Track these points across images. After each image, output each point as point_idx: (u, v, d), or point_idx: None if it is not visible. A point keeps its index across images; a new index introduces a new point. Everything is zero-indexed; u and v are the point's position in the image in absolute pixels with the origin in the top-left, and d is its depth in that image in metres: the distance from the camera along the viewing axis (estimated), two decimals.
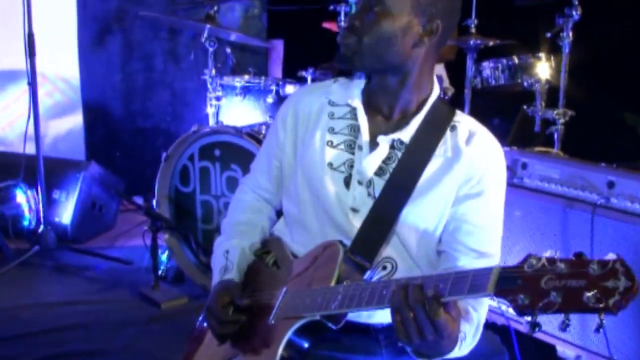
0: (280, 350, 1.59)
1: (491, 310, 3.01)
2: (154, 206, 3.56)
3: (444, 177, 1.69)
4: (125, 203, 4.53)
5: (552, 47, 3.49)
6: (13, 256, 3.70)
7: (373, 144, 1.75)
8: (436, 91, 1.80)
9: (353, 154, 1.76)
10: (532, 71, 3.63)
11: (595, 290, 1.09)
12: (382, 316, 1.73)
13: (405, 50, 1.70)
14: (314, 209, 1.79)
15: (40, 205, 3.78)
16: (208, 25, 3.80)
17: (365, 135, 1.76)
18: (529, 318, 1.20)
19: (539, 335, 2.88)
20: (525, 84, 3.63)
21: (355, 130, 1.78)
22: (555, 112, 3.45)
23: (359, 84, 1.83)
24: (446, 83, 4.51)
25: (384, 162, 1.73)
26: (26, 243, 3.87)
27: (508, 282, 1.19)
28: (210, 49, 3.88)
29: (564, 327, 1.18)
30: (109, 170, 4.43)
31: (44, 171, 3.81)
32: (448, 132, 1.73)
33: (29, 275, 3.67)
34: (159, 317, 3.21)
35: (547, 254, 1.17)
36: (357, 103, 1.79)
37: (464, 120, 1.77)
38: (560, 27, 3.33)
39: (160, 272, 3.57)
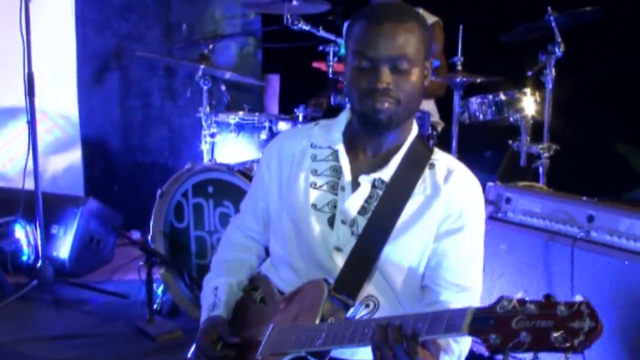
0: None
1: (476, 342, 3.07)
2: (150, 241, 3.64)
3: (424, 214, 1.77)
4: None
5: (538, 82, 3.57)
6: (12, 290, 3.75)
7: (355, 184, 1.82)
8: (415, 130, 1.89)
9: (336, 194, 1.83)
10: (518, 106, 3.71)
11: (562, 331, 1.15)
12: (364, 353, 1.77)
13: (422, 95, 1.83)
14: (299, 249, 1.86)
15: (39, 241, 3.85)
16: (202, 66, 3.90)
17: (347, 176, 1.83)
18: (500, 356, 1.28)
19: None
20: (512, 119, 3.71)
21: (337, 171, 1.85)
22: (540, 146, 3.53)
23: (339, 125, 1.91)
24: (436, 117, 4.58)
25: (366, 201, 1.80)
26: (25, 277, 3.92)
27: (481, 322, 1.26)
28: (205, 87, 3.98)
29: None
30: (107, 205, 4.49)
31: (43, 207, 3.86)
32: (427, 170, 1.82)
33: (28, 309, 3.72)
34: (153, 351, 3.25)
35: (519, 295, 1.24)
36: (339, 146, 1.87)
37: (441, 158, 1.86)
38: (542, 63, 3.42)
39: (155, 305, 3.63)
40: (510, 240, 3.03)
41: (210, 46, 4.20)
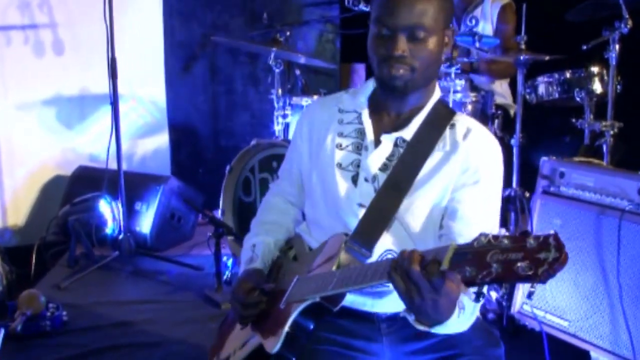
0: (285, 329, 1.73)
1: (525, 315, 3.07)
2: (220, 215, 3.82)
3: (442, 168, 1.84)
4: (204, 216, 4.81)
5: (602, 60, 3.50)
6: (96, 260, 4.04)
7: (377, 143, 1.91)
8: (437, 92, 1.96)
9: (360, 154, 1.92)
10: (584, 85, 3.65)
11: (528, 261, 1.20)
12: (384, 306, 1.88)
13: (440, 62, 1.90)
14: (327, 208, 1.96)
15: (121, 215, 4.10)
16: (274, 49, 4.06)
17: (370, 136, 1.92)
18: (475, 289, 1.34)
19: (572, 340, 2.91)
20: (578, 98, 3.65)
21: (361, 133, 1.95)
22: (603, 124, 3.46)
23: (365, 91, 2.00)
24: (509, 100, 4.55)
25: (387, 159, 1.89)
26: (109, 249, 4.18)
27: (460, 257, 1.32)
28: (277, 71, 4.15)
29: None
30: (190, 185, 4.73)
31: (128, 185, 4.12)
32: (447, 130, 1.89)
33: (108, 277, 3.99)
34: (217, 316, 3.39)
35: (496, 231, 1.30)
36: (363, 109, 1.96)
37: (462, 119, 1.92)
38: (602, 39, 3.35)
39: (225, 277, 3.82)
40: (564, 215, 3.02)
41: (288, 33, 4.35)
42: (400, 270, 1.44)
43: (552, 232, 1.21)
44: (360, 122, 1.96)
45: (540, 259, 1.19)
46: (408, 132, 1.89)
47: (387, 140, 1.90)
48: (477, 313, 1.75)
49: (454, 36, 1.93)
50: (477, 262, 1.28)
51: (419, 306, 1.45)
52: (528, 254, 1.21)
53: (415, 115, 1.91)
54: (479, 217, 1.82)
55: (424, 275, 1.40)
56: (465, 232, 1.78)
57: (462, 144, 1.85)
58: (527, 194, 3.65)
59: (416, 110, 1.92)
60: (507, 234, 1.28)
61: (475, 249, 1.30)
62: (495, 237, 1.28)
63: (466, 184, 1.83)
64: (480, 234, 1.31)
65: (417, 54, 1.80)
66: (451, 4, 1.89)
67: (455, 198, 1.83)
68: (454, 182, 1.83)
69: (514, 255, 1.23)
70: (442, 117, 1.92)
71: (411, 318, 1.55)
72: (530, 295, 1.17)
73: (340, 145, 1.96)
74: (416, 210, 1.84)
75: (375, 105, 1.97)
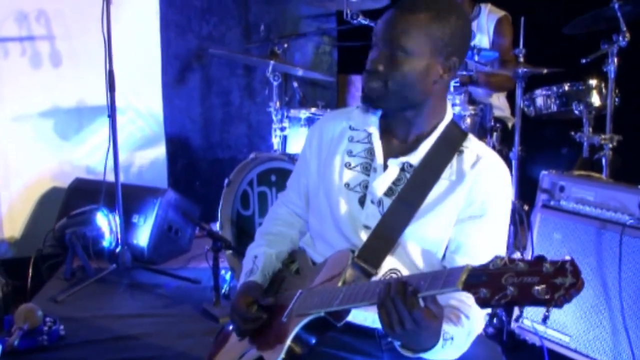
0: (287, 343, 1.73)
1: (525, 330, 3.07)
2: (218, 228, 3.81)
3: (447, 198, 1.82)
4: (202, 230, 4.79)
5: (600, 73, 3.51)
6: (93, 273, 4.01)
7: (386, 167, 1.90)
8: (449, 115, 1.94)
9: (368, 175, 1.92)
10: (583, 98, 3.67)
11: (544, 285, 1.22)
12: (376, 320, 1.89)
13: (426, 89, 1.85)
14: (334, 223, 1.94)
15: (118, 228, 4.07)
16: (272, 62, 4.06)
17: (379, 159, 1.91)
18: (489, 310, 1.35)
19: (573, 356, 2.90)
20: (577, 111, 3.66)
21: (371, 153, 1.93)
22: (602, 137, 3.47)
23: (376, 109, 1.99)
24: (507, 113, 4.57)
25: (393, 183, 1.87)
26: (106, 262, 4.14)
27: (475, 278, 1.33)
28: (275, 83, 4.15)
29: (517, 318, 1.33)
30: (186, 198, 4.71)
31: (126, 197, 4.08)
32: (455, 157, 1.87)
33: (105, 291, 3.95)
34: (215, 330, 3.36)
35: (514, 255, 1.32)
36: (373, 129, 1.94)
37: (472, 145, 1.89)
38: (602, 52, 3.36)
39: (223, 290, 3.80)
40: (564, 229, 3.02)
41: (285, 45, 4.36)
42: (388, 300, 1.48)
43: (567, 257, 1.23)
44: (370, 142, 1.95)
45: (557, 284, 1.21)
46: (415, 157, 1.88)
47: (394, 165, 1.89)
48: (470, 342, 1.75)
49: (454, 69, 1.87)
50: (492, 284, 1.30)
51: (400, 336, 1.52)
52: (544, 279, 1.23)
53: (424, 139, 1.89)
54: (485, 252, 1.79)
55: (405, 306, 1.45)
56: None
57: (469, 174, 1.83)
58: (526, 207, 3.65)
59: (425, 134, 1.90)
60: (522, 257, 1.30)
61: (490, 271, 1.32)
62: (511, 260, 1.30)
63: (472, 217, 1.82)
64: (496, 257, 1.33)
65: (392, 73, 1.79)
66: (453, 34, 1.81)
67: (461, 232, 1.82)
68: (457, 214, 1.82)
69: (530, 279, 1.24)
70: (451, 142, 1.90)
71: (397, 344, 1.59)
72: (545, 319, 1.18)
73: (349, 165, 1.95)
74: (417, 239, 1.84)
75: (385, 125, 1.95)
